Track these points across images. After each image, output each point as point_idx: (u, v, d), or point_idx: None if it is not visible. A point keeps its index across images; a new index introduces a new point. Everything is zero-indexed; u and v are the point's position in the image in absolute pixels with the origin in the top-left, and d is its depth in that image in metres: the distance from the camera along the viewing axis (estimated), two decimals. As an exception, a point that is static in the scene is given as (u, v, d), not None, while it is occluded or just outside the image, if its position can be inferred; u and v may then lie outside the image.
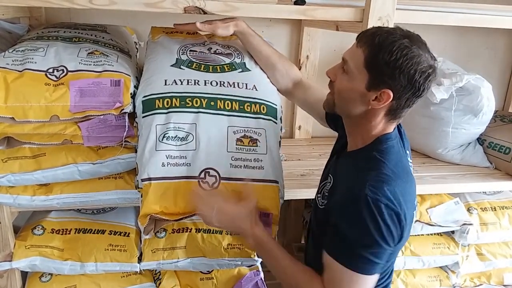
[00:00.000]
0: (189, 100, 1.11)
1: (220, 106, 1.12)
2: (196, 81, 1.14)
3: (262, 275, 1.55)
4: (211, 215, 1.02)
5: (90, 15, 1.64)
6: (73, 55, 1.20)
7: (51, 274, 1.44)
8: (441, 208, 1.68)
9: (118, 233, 1.43)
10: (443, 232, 1.75)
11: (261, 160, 1.12)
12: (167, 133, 1.08)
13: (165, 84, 1.13)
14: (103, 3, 1.09)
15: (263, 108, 1.15)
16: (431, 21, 1.35)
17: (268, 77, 1.28)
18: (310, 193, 1.44)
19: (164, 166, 1.07)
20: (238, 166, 1.10)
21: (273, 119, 1.16)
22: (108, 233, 1.42)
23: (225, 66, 1.20)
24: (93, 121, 1.17)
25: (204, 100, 1.11)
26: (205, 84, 1.14)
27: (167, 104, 1.10)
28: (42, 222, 1.42)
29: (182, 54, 1.21)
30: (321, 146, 1.91)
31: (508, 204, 1.84)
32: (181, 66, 1.17)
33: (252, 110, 1.14)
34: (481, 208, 1.80)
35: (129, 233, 1.44)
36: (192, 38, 1.32)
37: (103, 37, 1.35)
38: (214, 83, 1.15)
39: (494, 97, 1.72)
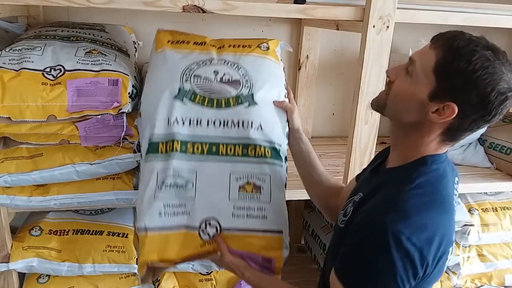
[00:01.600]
0: (190, 146, 1.07)
1: (222, 152, 1.07)
2: (199, 121, 1.09)
3: (261, 276, 1.54)
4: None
5: (88, 14, 1.63)
6: (71, 54, 1.19)
7: (48, 276, 1.43)
8: (442, 209, 1.67)
9: (116, 234, 1.42)
10: (444, 233, 1.74)
11: (264, 209, 1.07)
12: (167, 179, 1.04)
13: (168, 124, 1.08)
14: (101, 2, 1.08)
15: (268, 151, 1.09)
16: (432, 21, 1.34)
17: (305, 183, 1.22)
18: (310, 194, 1.43)
19: (161, 215, 1.03)
20: (241, 216, 1.06)
21: (278, 162, 1.11)
22: (106, 234, 1.41)
23: (230, 100, 1.12)
24: (90, 121, 1.16)
25: (205, 145, 1.07)
26: (207, 125, 1.09)
27: (169, 148, 1.06)
28: (39, 223, 1.41)
29: (185, 81, 1.12)
30: (321, 146, 1.90)
31: (509, 204, 1.83)
32: (184, 99, 1.10)
33: (256, 154, 1.09)
34: (482, 209, 1.79)
35: (127, 234, 1.43)
36: (200, 50, 1.20)
37: (101, 36, 1.34)
38: (217, 123, 1.09)
39: (495, 97, 1.71)
